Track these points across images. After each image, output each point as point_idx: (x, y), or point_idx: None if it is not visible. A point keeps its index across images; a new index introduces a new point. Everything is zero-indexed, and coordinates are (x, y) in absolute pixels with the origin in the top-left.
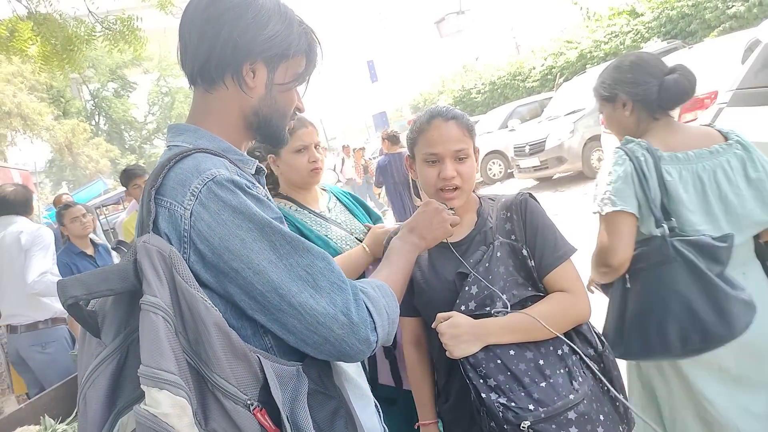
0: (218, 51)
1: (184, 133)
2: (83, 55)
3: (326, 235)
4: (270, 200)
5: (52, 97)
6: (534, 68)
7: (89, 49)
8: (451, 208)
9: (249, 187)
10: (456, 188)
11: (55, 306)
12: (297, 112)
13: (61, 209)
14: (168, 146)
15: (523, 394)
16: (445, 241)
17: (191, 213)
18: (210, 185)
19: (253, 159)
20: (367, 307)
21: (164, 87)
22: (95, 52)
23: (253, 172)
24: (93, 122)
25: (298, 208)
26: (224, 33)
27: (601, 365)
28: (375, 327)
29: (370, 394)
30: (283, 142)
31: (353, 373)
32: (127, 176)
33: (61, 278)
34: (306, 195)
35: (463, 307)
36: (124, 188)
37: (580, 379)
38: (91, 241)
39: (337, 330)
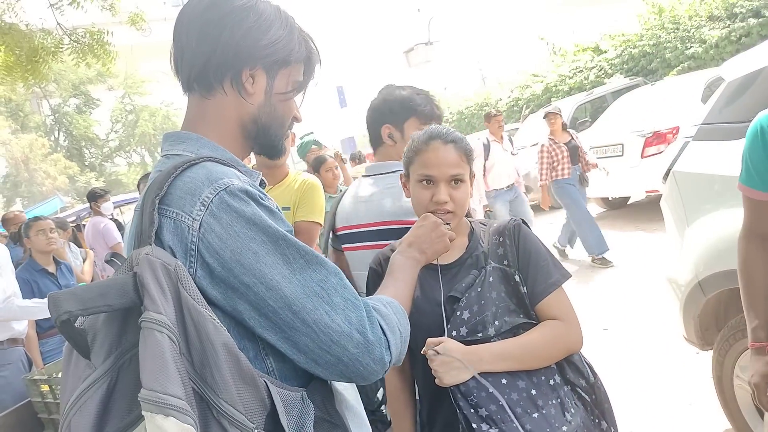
0: (218, 54)
1: (185, 141)
2: (48, 67)
3: None
4: (280, 211)
5: (10, 110)
6: (500, 100)
7: (55, 62)
8: (447, 223)
9: (262, 198)
10: (448, 212)
11: (14, 327)
12: (294, 122)
13: (30, 221)
14: (165, 155)
15: (515, 425)
16: (434, 262)
17: (200, 224)
18: (222, 195)
19: (257, 171)
20: (381, 326)
21: (129, 105)
22: (60, 66)
23: (258, 184)
24: (52, 138)
25: None
26: (225, 36)
27: (593, 397)
28: (389, 346)
29: (368, 422)
30: (280, 153)
31: (353, 401)
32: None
33: (22, 301)
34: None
35: (454, 333)
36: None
37: (572, 410)
38: (54, 258)
39: (351, 349)
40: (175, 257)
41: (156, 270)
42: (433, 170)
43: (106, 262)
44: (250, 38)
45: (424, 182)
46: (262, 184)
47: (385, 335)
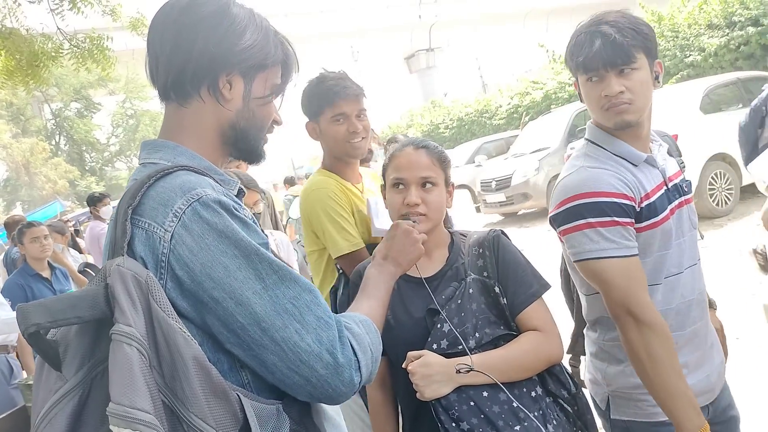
0: (193, 62)
1: (162, 149)
2: (48, 71)
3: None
4: (256, 223)
5: (11, 114)
6: (500, 106)
7: (55, 66)
8: (414, 221)
9: (236, 210)
10: (420, 215)
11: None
12: (275, 125)
13: (23, 227)
14: (142, 164)
15: None
16: (417, 276)
17: (172, 236)
18: (195, 206)
19: (235, 180)
20: (352, 346)
21: (129, 109)
22: (61, 70)
23: (235, 194)
24: (53, 142)
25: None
26: (199, 43)
27: (575, 408)
28: (359, 367)
29: None
30: (260, 158)
31: (332, 412)
32: None
33: (7, 314)
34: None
35: (434, 346)
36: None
37: (554, 422)
38: (49, 263)
39: (320, 370)
40: (147, 268)
41: (127, 281)
42: (404, 173)
43: (80, 272)
44: (226, 44)
45: (397, 186)
46: (240, 193)
47: (356, 356)
